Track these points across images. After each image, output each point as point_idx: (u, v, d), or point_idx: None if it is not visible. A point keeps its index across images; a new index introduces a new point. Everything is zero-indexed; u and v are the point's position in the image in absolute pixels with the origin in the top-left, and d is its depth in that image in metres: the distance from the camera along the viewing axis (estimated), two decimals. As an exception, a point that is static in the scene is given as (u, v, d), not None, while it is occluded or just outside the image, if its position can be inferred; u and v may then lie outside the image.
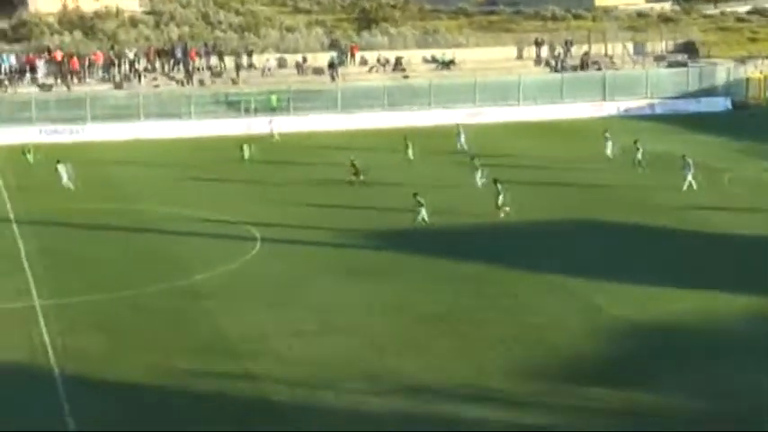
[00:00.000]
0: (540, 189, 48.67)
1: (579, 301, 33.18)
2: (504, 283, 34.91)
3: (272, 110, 69.50)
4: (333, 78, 75.08)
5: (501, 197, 43.08)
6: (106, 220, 44.02)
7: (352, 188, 48.71)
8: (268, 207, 45.79)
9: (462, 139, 58.88)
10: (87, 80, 72.84)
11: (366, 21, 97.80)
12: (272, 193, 48.64)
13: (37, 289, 34.36)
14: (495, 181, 43.91)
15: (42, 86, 71.29)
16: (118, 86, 72.36)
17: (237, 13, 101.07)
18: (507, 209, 43.15)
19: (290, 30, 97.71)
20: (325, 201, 46.77)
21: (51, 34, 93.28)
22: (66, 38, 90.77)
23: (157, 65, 75.80)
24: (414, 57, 79.82)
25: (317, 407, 25.15)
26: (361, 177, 49.24)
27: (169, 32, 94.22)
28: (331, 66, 76.22)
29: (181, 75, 74.31)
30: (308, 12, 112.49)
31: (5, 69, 71.71)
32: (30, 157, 55.11)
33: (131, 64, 73.96)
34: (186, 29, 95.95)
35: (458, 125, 60.80)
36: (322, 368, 27.41)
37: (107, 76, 73.62)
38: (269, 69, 76.53)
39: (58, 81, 72.13)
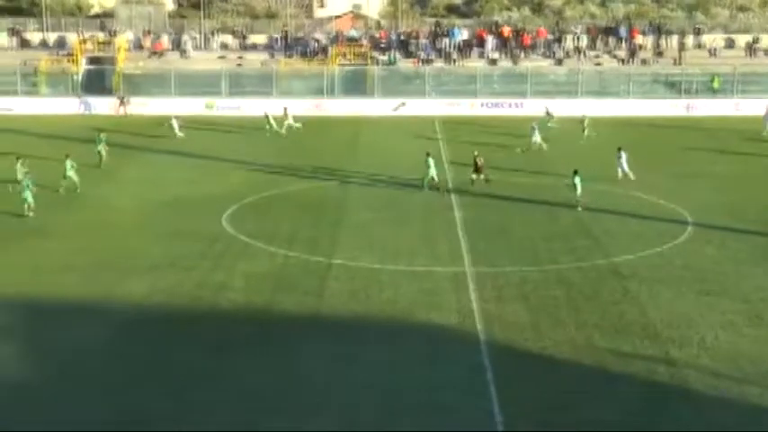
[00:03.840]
0: None
1: None
2: None
3: (713, 92, 67.52)
4: (784, 61, 71.51)
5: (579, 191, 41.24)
6: (538, 193, 44.99)
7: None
8: (702, 192, 44.73)
9: None
10: (531, 56, 74.52)
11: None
12: (707, 178, 47.48)
13: (469, 255, 35.86)
14: (576, 172, 41.69)
15: (490, 60, 73.86)
16: (559, 63, 73.33)
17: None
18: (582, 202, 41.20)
19: (742, 9, 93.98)
20: (748, 189, 44.88)
21: (500, 10, 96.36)
22: (515, 14, 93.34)
23: (600, 42, 75.90)
24: None
25: (737, 401, 24.17)
26: (482, 176, 46.11)
27: (615, 10, 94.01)
28: (784, 47, 72.61)
29: (623, 53, 73.90)
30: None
31: (456, 43, 75.02)
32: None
33: (575, 41, 74.63)
34: (632, 7, 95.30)
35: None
36: (749, 362, 26.25)
37: (548, 53, 74.82)
38: (715, 50, 74.17)
39: (503, 56, 74.36)
